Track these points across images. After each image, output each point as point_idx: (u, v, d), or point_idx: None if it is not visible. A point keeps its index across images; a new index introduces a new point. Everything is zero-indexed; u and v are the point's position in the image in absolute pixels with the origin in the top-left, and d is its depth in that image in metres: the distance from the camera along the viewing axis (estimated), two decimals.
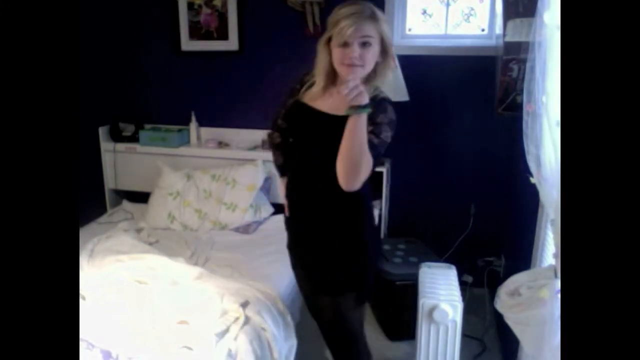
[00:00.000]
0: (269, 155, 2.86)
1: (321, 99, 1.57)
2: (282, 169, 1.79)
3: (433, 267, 2.15)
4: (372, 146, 1.42)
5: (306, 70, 1.64)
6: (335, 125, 1.42)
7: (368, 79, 1.51)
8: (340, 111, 1.42)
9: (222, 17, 2.89)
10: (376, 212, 2.51)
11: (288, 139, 1.68)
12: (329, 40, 1.48)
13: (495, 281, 2.50)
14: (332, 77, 1.55)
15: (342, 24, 1.41)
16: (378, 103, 1.47)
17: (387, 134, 1.48)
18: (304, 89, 1.61)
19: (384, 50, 1.49)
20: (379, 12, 1.46)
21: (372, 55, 1.46)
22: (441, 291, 1.96)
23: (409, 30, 2.83)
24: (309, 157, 1.59)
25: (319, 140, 1.54)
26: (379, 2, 2.66)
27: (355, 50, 1.42)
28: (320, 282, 1.66)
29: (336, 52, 1.46)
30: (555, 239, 1.21)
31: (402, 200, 2.94)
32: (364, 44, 1.43)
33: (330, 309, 1.67)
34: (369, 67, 1.48)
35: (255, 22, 2.87)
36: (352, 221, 1.59)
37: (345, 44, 1.43)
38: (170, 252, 2.32)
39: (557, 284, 1.19)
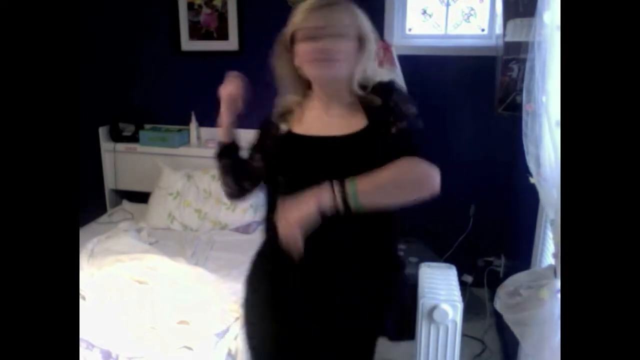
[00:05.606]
0: None
1: (307, 122, 1.31)
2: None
3: (433, 267, 2.14)
4: (418, 148, 1.28)
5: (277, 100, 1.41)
6: (337, 146, 1.23)
7: (350, 81, 1.24)
8: (335, 129, 1.23)
9: (222, 17, 2.89)
10: None
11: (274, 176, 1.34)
12: (291, 44, 1.25)
13: (495, 281, 2.50)
14: (306, 86, 1.32)
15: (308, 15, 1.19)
16: (378, 91, 1.24)
17: (413, 117, 1.30)
18: (277, 116, 1.38)
19: (362, 44, 1.22)
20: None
21: (347, 48, 1.19)
22: (441, 291, 1.95)
23: (409, 30, 2.83)
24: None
25: (322, 167, 1.25)
26: (379, 2, 2.71)
27: (325, 44, 1.16)
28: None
29: (300, 48, 1.21)
30: (555, 239, 1.21)
31: None
32: (335, 36, 1.17)
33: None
34: (346, 64, 1.20)
35: (255, 22, 2.87)
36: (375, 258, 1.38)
37: (311, 38, 1.18)
38: (170, 252, 2.32)
39: (557, 284, 1.19)
